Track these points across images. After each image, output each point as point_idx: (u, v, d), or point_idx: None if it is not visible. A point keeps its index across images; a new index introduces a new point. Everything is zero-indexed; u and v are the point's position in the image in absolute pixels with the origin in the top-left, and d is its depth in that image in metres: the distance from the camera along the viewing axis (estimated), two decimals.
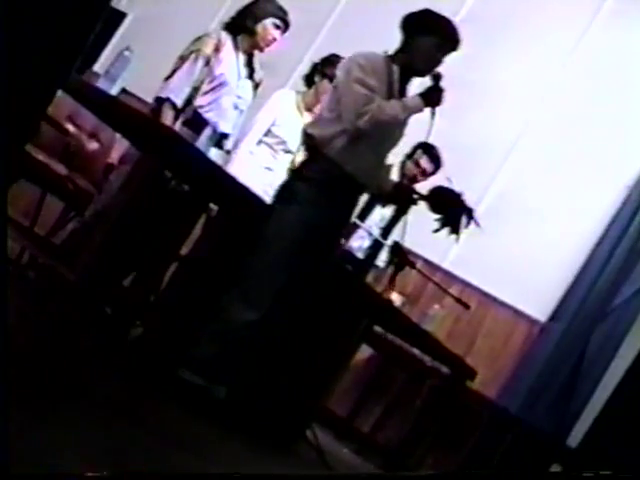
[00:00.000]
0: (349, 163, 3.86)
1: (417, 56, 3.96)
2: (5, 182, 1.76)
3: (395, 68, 3.95)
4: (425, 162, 5.40)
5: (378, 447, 6.10)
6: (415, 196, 4.13)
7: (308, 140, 3.95)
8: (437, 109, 3.90)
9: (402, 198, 4.19)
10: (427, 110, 3.91)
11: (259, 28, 4.59)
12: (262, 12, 4.60)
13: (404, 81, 4.01)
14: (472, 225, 4.10)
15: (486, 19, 6.74)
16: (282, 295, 3.80)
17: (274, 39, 4.62)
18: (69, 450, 2.19)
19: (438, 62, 3.96)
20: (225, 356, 3.81)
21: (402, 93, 4.00)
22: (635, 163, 6.39)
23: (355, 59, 3.93)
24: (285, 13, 4.64)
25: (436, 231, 4.07)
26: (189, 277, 4.41)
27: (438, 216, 4.08)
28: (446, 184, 4.21)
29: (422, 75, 4.00)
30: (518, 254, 6.37)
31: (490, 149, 6.62)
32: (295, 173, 3.99)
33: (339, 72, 4.01)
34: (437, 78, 3.93)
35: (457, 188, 4.13)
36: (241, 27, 4.60)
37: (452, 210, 4.05)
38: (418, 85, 4.07)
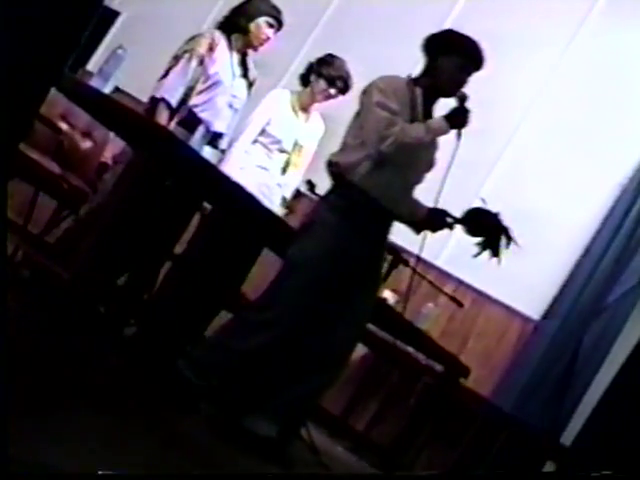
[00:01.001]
0: (374, 189, 3.79)
1: (441, 77, 3.89)
2: (5, 181, 1.76)
3: (418, 91, 3.88)
4: None
5: (372, 445, 6.10)
6: (450, 220, 4.00)
7: (333, 168, 3.88)
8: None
9: (437, 224, 4.05)
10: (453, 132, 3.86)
11: (252, 27, 4.59)
12: (255, 11, 4.60)
13: (429, 103, 3.94)
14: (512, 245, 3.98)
15: (478, 21, 6.74)
16: (306, 323, 3.78)
17: (268, 38, 4.62)
18: (64, 448, 2.18)
19: (463, 83, 3.90)
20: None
21: (427, 115, 3.93)
22: (628, 160, 6.40)
23: (375, 83, 3.85)
24: (279, 12, 4.64)
25: (476, 255, 3.95)
26: (183, 276, 4.41)
27: (477, 240, 3.96)
28: (480, 204, 4.07)
29: (447, 96, 3.92)
30: (511, 252, 6.38)
31: (483, 148, 6.63)
32: (322, 200, 3.93)
33: (362, 97, 3.91)
34: (463, 99, 3.85)
35: (492, 208, 4.04)
36: (234, 26, 4.60)
37: (491, 233, 3.94)
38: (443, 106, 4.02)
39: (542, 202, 6.47)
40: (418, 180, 4.03)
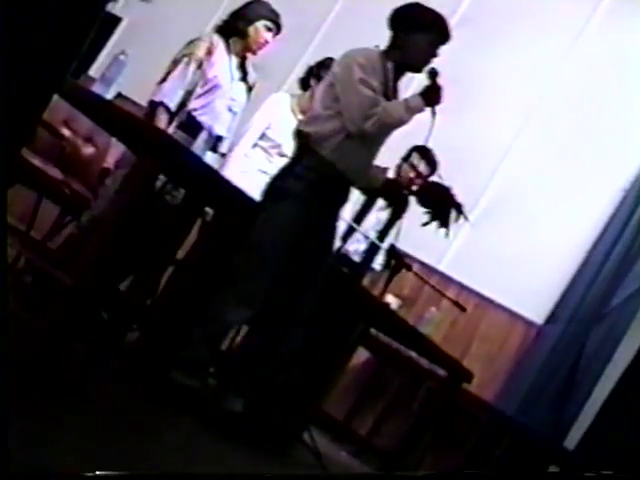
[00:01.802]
0: (341, 161, 3.82)
1: (411, 52, 3.92)
2: (5, 186, 1.76)
3: (390, 65, 3.91)
4: (421, 165, 5.40)
5: (375, 450, 6.10)
6: (404, 191, 4.11)
7: (301, 138, 3.90)
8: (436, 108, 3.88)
9: (391, 194, 4.16)
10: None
11: (251, 30, 4.59)
12: (254, 14, 4.60)
13: (397, 77, 3.98)
14: (462, 220, 4.08)
15: (482, 20, 6.75)
16: (275, 294, 3.79)
17: (266, 41, 4.62)
18: (66, 452, 2.18)
19: (432, 57, 3.92)
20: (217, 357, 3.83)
21: (394, 89, 3.97)
22: (631, 166, 6.40)
23: (355, 58, 3.87)
24: (277, 15, 4.64)
25: (425, 224, 4.03)
26: (186, 281, 4.41)
27: (427, 210, 4.06)
28: (437, 180, 4.19)
29: (417, 71, 3.96)
30: (514, 256, 6.38)
31: (486, 151, 6.63)
32: (285, 170, 3.94)
33: (337, 69, 3.94)
34: (434, 75, 3.89)
35: (447, 183, 4.11)
36: (233, 30, 4.60)
37: (441, 204, 4.03)
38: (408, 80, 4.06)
39: (545, 206, 6.48)
40: (378, 152, 4.09)
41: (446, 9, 6.94)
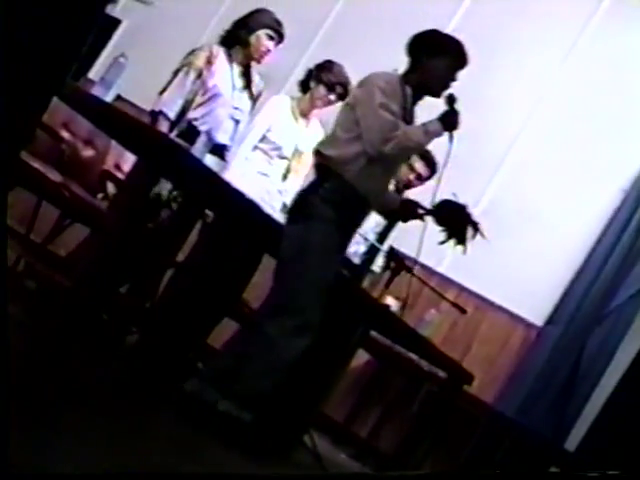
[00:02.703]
0: (362, 185, 3.87)
1: (430, 77, 3.96)
2: (4, 189, 1.76)
3: (408, 90, 3.95)
4: (420, 167, 5.39)
5: (376, 452, 6.10)
6: (421, 211, 4.14)
7: (323, 160, 3.94)
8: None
9: (408, 214, 4.20)
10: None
11: (252, 39, 4.62)
12: (256, 24, 4.63)
13: (414, 102, 4.01)
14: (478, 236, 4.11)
15: (480, 24, 6.75)
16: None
17: (268, 50, 4.65)
18: (65, 453, 2.18)
19: (451, 81, 3.97)
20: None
21: (412, 113, 4.01)
22: (631, 166, 6.40)
23: (375, 81, 3.90)
24: (279, 24, 4.67)
25: (442, 243, 4.08)
26: (185, 283, 4.41)
27: (443, 228, 4.09)
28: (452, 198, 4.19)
29: (436, 96, 3.98)
30: (514, 258, 6.38)
31: (485, 153, 6.63)
32: (311, 192, 3.94)
33: (358, 92, 3.98)
34: (452, 100, 3.92)
35: (461, 200, 4.13)
36: (235, 39, 4.64)
37: (457, 223, 4.06)
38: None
39: (544, 208, 6.48)
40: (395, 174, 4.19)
41: (444, 13, 6.99)
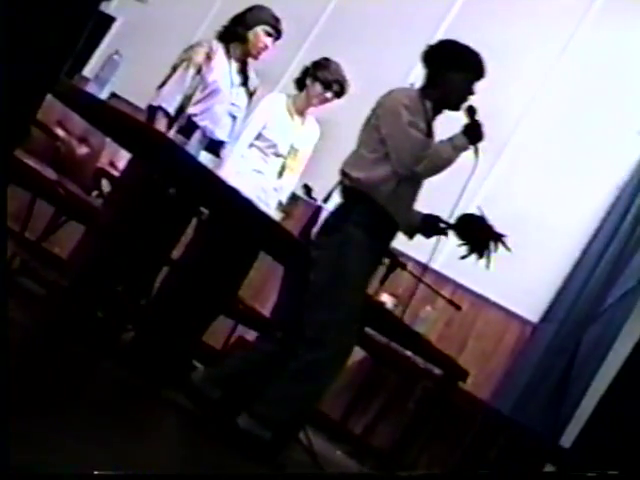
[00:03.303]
0: (392, 206, 3.83)
1: (449, 91, 3.91)
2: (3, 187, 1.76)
3: (428, 104, 3.90)
4: None
5: (371, 449, 6.10)
6: (443, 226, 4.07)
7: (351, 182, 3.88)
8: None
9: (431, 230, 4.12)
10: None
11: (251, 35, 4.61)
12: (254, 20, 4.62)
13: (434, 116, 3.97)
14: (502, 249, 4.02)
15: (473, 24, 6.74)
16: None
17: (266, 46, 4.64)
18: (63, 452, 2.18)
19: (470, 94, 3.91)
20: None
21: (431, 128, 3.95)
22: (626, 162, 6.40)
23: (400, 99, 3.84)
24: (277, 21, 4.66)
25: (463, 257, 4.00)
26: (180, 281, 4.41)
27: (463, 242, 4.02)
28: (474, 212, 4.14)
29: (456, 109, 3.93)
30: (509, 254, 6.38)
31: (480, 149, 6.62)
32: (342, 215, 3.89)
33: (381, 112, 3.89)
34: (472, 112, 3.87)
35: (486, 215, 4.07)
36: (233, 35, 4.62)
37: (480, 237, 3.99)
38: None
39: (539, 204, 6.48)
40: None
41: (438, 11, 6.98)
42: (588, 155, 6.48)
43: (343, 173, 3.92)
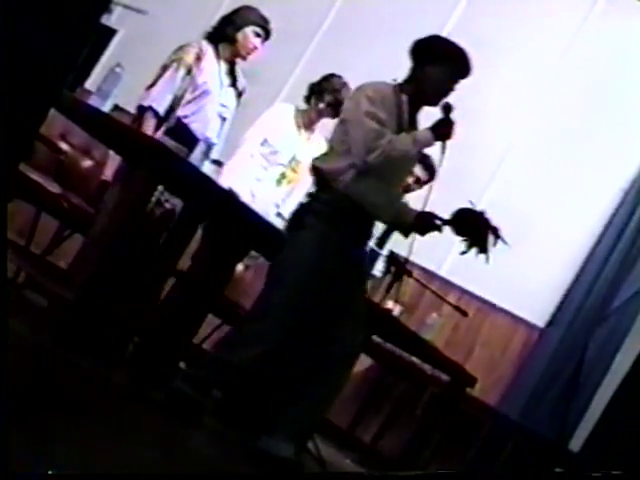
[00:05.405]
0: (358, 195, 3.75)
1: (427, 85, 3.84)
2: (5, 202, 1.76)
3: (404, 98, 3.83)
4: (419, 170, 5.38)
5: (380, 456, 6.09)
6: (438, 222, 3.97)
7: (316, 173, 3.86)
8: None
9: (425, 227, 4.00)
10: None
11: (239, 36, 4.60)
12: (242, 20, 4.60)
13: (413, 110, 3.89)
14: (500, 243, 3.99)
15: (477, 29, 6.75)
16: (295, 329, 3.76)
17: (255, 47, 4.62)
18: (67, 461, 2.18)
19: (449, 91, 3.85)
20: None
21: (412, 123, 3.89)
22: (630, 165, 6.40)
23: (364, 90, 3.79)
24: (266, 21, 4.64)
25: (463, 253, 3.93)
26: (186, 291, 4.41)
27: (463, 238, 3.95)
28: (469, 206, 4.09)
29: (432, 104, 3.86)
30: (515, 260, 6.37)
31: (484, 155, 6.63)
32: (304, 206, 3.88)
33: (347, 104, 3.90)
34: (447, 110, 3.81)
35: (479, 208, 4.02)
36: (222, 36, 4.61)
37: (477, 230, 3.92)
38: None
39: (544, 209, 6.47)
40: (400, 185, 4.04)
41: (442, 15, 6.99)
42: (593, 159, 6.49)
43: (312, 167, 3.90)
